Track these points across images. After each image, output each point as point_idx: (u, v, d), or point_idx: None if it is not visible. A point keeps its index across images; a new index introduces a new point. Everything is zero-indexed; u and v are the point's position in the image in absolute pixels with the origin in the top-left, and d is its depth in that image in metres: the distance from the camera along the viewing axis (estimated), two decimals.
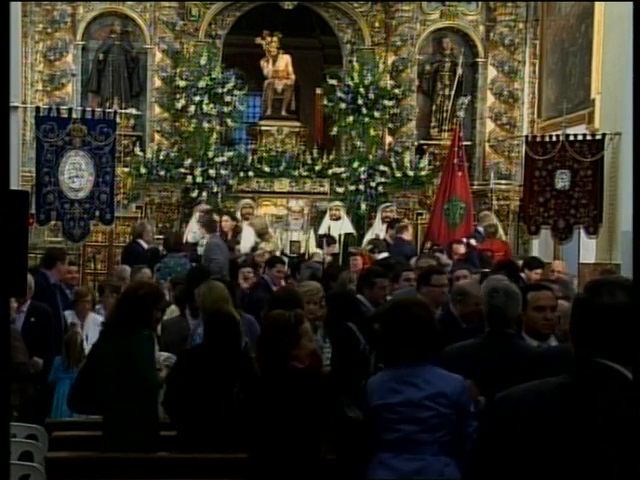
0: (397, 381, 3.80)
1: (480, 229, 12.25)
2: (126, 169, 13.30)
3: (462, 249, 10.53)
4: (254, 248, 11.37)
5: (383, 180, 13.65)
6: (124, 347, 5.03)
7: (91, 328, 7.19)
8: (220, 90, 13.51)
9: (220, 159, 13.48)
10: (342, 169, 13.76)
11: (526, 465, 2.24)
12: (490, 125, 14.16)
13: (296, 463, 3.97)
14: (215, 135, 13.72)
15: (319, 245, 11.81)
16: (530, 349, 4.64)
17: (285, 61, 14.47)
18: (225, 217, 11.97)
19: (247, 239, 11.86)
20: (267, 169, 13.74)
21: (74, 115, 11.16)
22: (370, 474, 3.82)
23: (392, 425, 3.76)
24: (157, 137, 13.68)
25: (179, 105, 13.44)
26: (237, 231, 11.91)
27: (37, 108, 11.47)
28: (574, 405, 2.23)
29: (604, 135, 11.08)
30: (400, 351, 3.81)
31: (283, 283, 8.74)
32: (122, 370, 5.01)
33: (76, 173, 10.97)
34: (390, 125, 13.98)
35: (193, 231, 11.64)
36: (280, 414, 4.00)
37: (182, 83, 13.45)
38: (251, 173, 13.73)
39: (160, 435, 5.18)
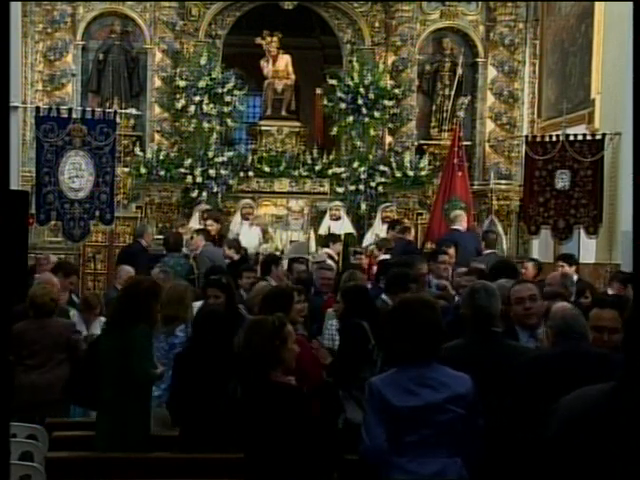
0: (412, 382, 3.75)
1: (459, 227, 12.04)
2: (126, 169, 13.29)
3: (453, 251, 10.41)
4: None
5: (383, 180, 13.64)
6: (121, 341, 5.11)
7: (98, 330, 7.23)
8: (220, 90, 13.50)
9: (220, 159, 13.47)
10: (342, 169, 13.75)
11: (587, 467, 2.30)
12: (490, 125, 14.15)
13: (287, 469, 3.97)
14: (215, 135, 13.70)
15: (324, 245, 11.75)
16: (517, 347, 4.69)
17: (285, 61, 14.46)
18: (209, 221, 11.52)
19: (251, 239, 11.84)
20: (267, 169, 13.74)
21: (74, 115, 11.17)
22: (388, 478, 3.76)
23: (410, 428, 3.72)
24: (157, 137, 13.67)
25: (179, 105, 13.43)
26: (222, 234, 11.68)
27: (37, 108, 11.47)
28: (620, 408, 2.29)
29: (604, 135, 11.08)
30: (409, 351, 3.79)
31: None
32: (117, 363, 5.10)
33: (76, 173, 10.98)
34: (390, 125, 13.97)
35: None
36: (263, 427, 4.00)
37: (182, 83, 13.44)
38: (251, 173, 13.72)
39: (150, 432, 5.19)
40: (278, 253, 11.56)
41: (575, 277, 9.04)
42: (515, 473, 3.97)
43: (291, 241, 12.75)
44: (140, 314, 5.13)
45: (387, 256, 10.54)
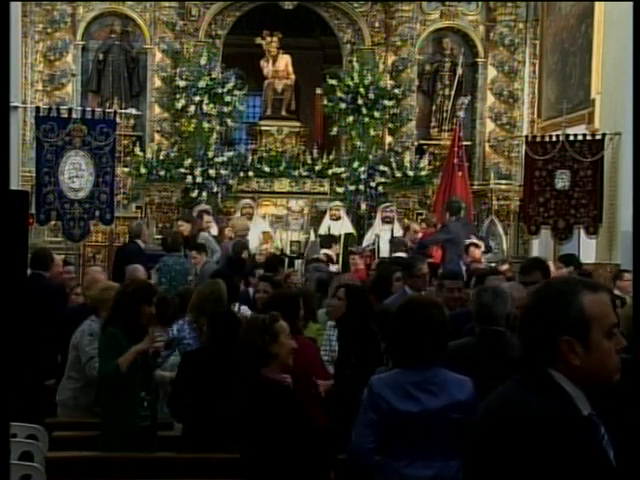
0: (413, 386, 3.72)
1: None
2: (126, 169, 13.29)
3: (478, 253, 10.37)
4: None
5: (383, 180, 13.65)
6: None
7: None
8: (220, 90, 13.50)
9: (220, 159, 13.47)
10: (342, 169, 13.75)
11: None
12: (490, 125, 14.16)
13: (280, 467, 3.97)
14: (215, 135, 13.71)
15: (323, 245, 11.73)
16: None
17: (285, 61, 14.46)
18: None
19: (252, 240, 11.84)
20: (267, 169, 13.74)
21: (74, 115, 11.17)
22: None
23: (406, 432, 3.70)
24: (157, 137, 13.68)
25: (179, 105, 13.43)
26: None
27: (37, 108, 11.48)
28: None
29: (604, 135, 11.08)
30: (413, 352, 3.76)
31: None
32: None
33: (76, 173, 10.98)
34: (390, 125, 13.98)
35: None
36: (253, 424, 4.02)
37: (182, 83, 13.45)
38: (251, 173, 13.72)
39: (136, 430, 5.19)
40: (278, 253, 11.59)
41: None
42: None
43: (291, 241, 12.73)
44: (130, 315, 5.11)
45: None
